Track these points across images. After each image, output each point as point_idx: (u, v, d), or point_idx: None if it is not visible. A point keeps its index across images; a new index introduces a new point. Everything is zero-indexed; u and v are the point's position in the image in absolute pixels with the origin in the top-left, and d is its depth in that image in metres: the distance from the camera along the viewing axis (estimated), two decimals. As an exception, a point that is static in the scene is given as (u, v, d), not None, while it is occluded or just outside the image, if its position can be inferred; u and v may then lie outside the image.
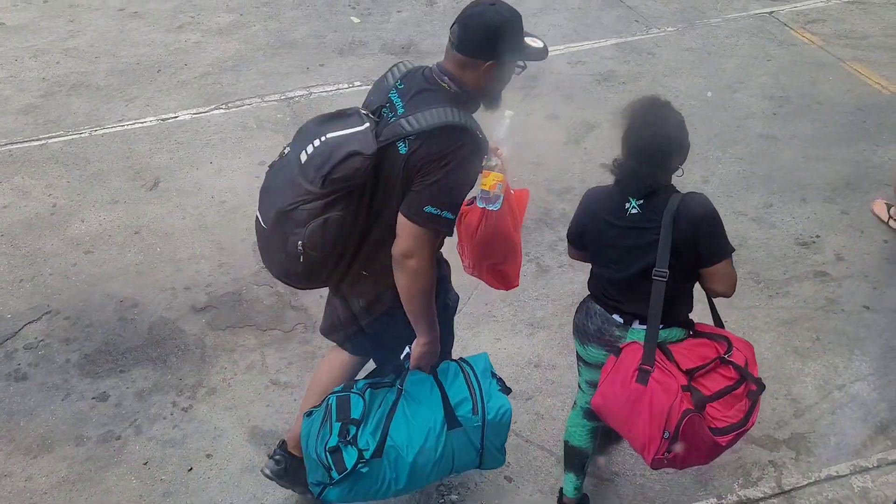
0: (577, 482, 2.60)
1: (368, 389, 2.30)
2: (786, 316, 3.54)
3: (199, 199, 4.18)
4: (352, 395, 2.30)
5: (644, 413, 2.13)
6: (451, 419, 2.23)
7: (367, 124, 2.04)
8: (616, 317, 2.33)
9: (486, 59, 2.04)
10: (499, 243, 2.33)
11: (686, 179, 4.06)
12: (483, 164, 2.14)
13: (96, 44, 5.57)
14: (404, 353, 2.32)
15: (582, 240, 2.38)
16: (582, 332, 2.43)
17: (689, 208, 2.16)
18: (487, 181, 2.16)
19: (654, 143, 2.17)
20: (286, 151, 2.15)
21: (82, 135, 4.66)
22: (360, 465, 2.18)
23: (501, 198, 2.19)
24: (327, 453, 2.20)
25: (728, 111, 4.79)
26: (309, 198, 2.01)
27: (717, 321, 2.42)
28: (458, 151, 2.00)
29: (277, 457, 2.59)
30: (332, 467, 2.19)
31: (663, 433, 2.10)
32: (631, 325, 2.31)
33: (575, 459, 2.59)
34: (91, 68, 5.29)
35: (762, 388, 2.22)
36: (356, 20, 5.75)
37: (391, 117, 2.06)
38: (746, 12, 5.74)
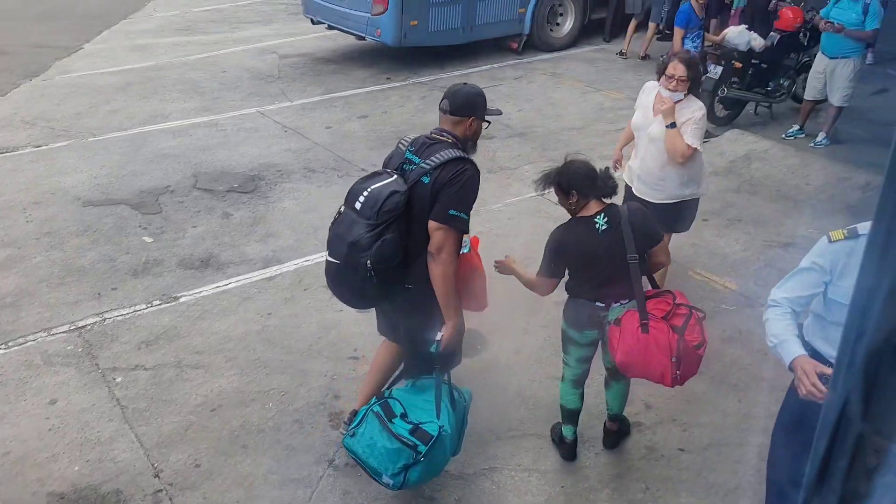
0: (573, 429, 3.70)
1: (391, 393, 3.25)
2: (614, 471, 3.66)
3: (-24, 454, 3.65)
4: (389, 400, 3.19)
5: (654, 351, 3.11)
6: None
7: (396, 175, 3.08)
8: (598, 304, 3.30)
9: (469, 116, 3.16)
10: (470, 273, 3.39)
11: (498, 352, 4.21)
12: None
13: None
14: (437, 336, 3.07)
15: (560, 269, 3.34)
16: (577, 323, 3.40)
17: (631, 211, 3.27)
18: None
19: (592, 172, 3.27)
20: (342, 209, 3.12)
21: None
22: (442, 431, 3.01)
23: (469, 244, 3.40)
24: (410, 434, 2.99)
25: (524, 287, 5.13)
26: (369, 229, 2.95)
27: (655, 285, 3.44)
28: (465, 172, 3.04)
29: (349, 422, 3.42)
30: (418, 442, 2.98)
31: (672, 359, 3.09)
32: (611, 306, 3.28)
33: (572, 417, 3.67)
34: None
35: (704, 314, 3.28)
36: (149, 240, 5.62)
37: (412, 168, 3.09)
38: (522, 196, 6.36)
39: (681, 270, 5.29)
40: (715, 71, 7.55)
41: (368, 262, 2.92)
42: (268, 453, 3.75)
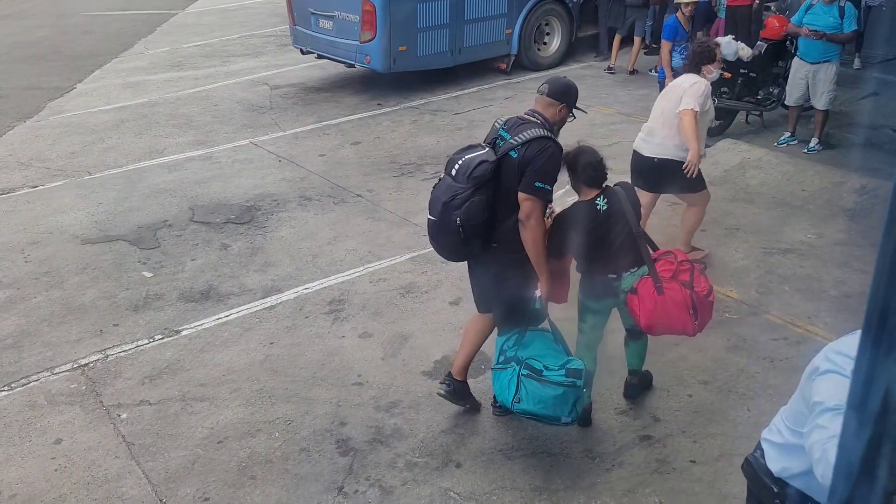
0: (588, 392, 3.88)
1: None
2: (626, 486, 3.63)
3: (-18, 498, 3.61)
4: (527, 361, 3.53)
5: (673, 308, 3.57)
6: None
7: (488, 148, 3.53)
8: (611, 275, 3.70)
9: (561, 102, 3.62)
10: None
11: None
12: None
13: None
14: (536, 294, 3.56)
15: (567, 249, 3.71)
16: (594, 294, 3.78)
17: (625, 190, 3.77)
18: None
19: (596, 159, 3.68)
20: (442, 176, 3.56)
21: None
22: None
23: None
24: (565, 377, 3.44)
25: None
26: (460, 191, 3.42)
27: (654, 247, 3.84)
28: (548, 149, 3.45)
29: (447, 382, 4.00)
30: (574, 379, 3.45)
31: (689, 311, 3.56)
32: (622, 275, 3.70)
33: (588, 378, 3.81)
34: None
35: (705, 265, 3.96)
36: (148, 275, 5.62)
37: (502, 143, 3.52)
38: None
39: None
40: (704, 82, 7.59)
41: (458, 219, 3.42)
42: (276, 483, 3.72)
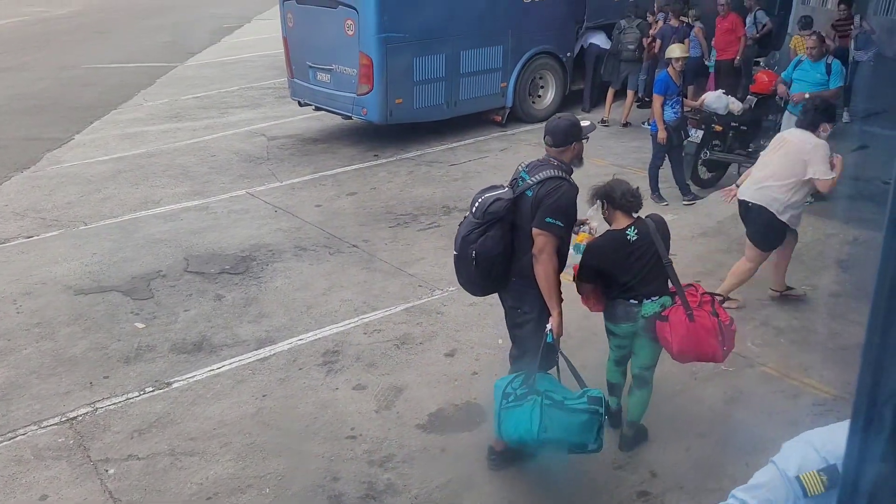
0: (616, 400, 4.29)
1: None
2: (625, 543, 3.55)
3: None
4: (547, 393, 3.58)
5: (704, 335, 3.78)
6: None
7: (507, 188, 3.77)
8: (632, 301, 3.89)
9: (570, 144, 3.76)
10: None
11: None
12: (577, 228, 3.99)
13: None
14: (547, 329, 3.66)
15: (597, 276, 3.95)
16: (614, 318, 4.00)
17: (656, 222, 3.94)
18: (578, 238, 4.03)
19: (632, 188, 3.98)
20: (468, 214, 3.78)
21: None
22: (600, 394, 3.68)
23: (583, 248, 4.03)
24: (588, 404, 3.55)
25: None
26: (477, 226, 3.66)
27: (676, 282, 3.95)
28: (561, 188, 3.63)
29: (493, 457, 4.10)
30: (597, 407, 3.55)
31: (718, 338, 3.78)
32: (643, 302, 3.88)
33: (614, 390, 4.29)
34: None
35: (722, 297, 4.40)
36: (141, 326, 5.58)
37: (521, 183, 3.73)
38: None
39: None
40: (696, 135, 7.70)
41: (473, 252, 3.65)
42: (266, 542, 3.62)
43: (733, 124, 7.81)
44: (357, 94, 9.26)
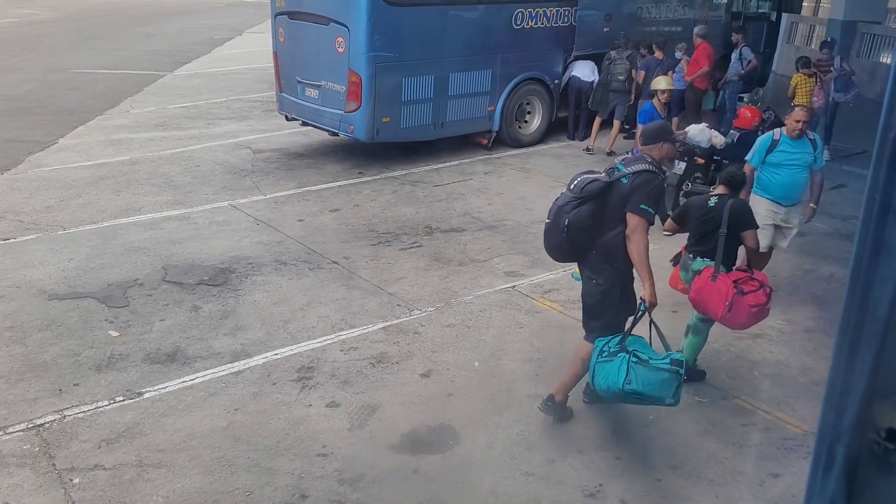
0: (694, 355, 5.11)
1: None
2: (592, 571, 3.53)
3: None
4: (635, 352, 4.10)
5: (714, 294, 4.61)
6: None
7: (604, 174, 4.33)
8: (689, 254, 4.98)
9: (657, 143, 4.43)
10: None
11: (471, 448, 4.14)
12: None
13: None
14: (639, 303, 4.23)
15: (682, 219, 5.08)
16: (681, 266, 5.08)
17: (734, 201, 4.86)
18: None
19: (740, 171, 5.20)
20: (564, 190, 4.39)
21: None
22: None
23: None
24: (670, 364, 4.03)
25: (496, 377, 5.10)
26: (573, 199, 4.25)
27: (749, 267, 4.95)
28: (654, 181, 4.25)
29: (549, 403, 4.60)
30: (678, 368, 4.03)
31: (726, 303, 4.54)
32: (696, 258, 4.93)
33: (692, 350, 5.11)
34: None
35: (772, 290, 4.74)
36: (115, 334, 5.51)
37: (616, 172, 4.29)
38: (493, 288, 6.39)
39: (653, 362, 5.28)
40: (679, 167, 7.80)
41: (567, 220, 4.22)
42: (231, 559, 3.56)
43: (716, 158, 7.91)
44: (345, 111, 9.29)
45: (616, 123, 10.42)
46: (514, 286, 6.43)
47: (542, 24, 10.50)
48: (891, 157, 0.73)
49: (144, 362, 5.16)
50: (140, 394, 4.80)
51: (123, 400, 4.73)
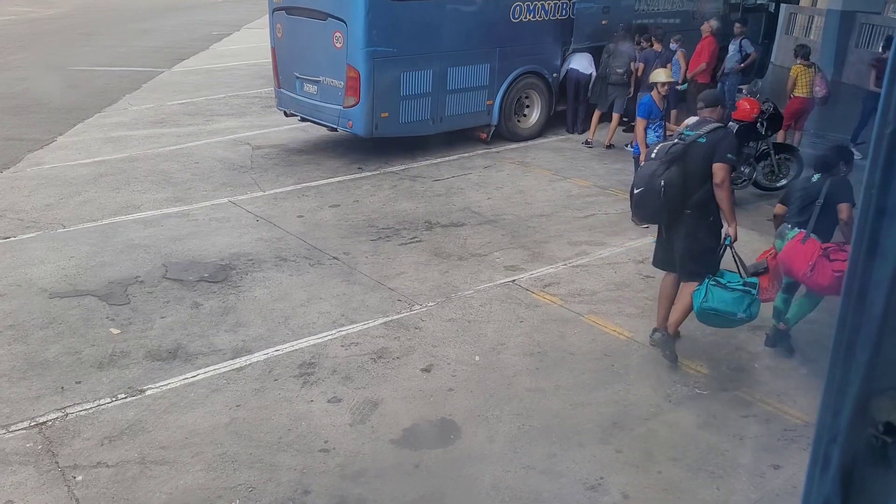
0: (775, 322, 5.42)
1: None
2: (594, 564, 3.55)
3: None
4: (715, 276, 4.87)
5: (799, 256, 4.93)
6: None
7: (677, 140, 4.91)
8: (787, 224, 5.20)
9: (717, 106, 5.16)
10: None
11: (471, 442, 4.15)
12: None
13: None
14: (724, 238, 4.90)
15: (785, 199, 5.40)
16: (779, 235, 5.28)
17: (835, 178, 5.08)
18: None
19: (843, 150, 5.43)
20: (644, 162, 5.24)
21: None
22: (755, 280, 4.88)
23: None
24: (743, 285, 4.75)
25: (497, 371, 5.11)
26: (661, 164, 4.79)
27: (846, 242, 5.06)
28: (729, 134, 5.04)
29: (658, 334, 5.28)
30: (750, 288, 4.74)
31: (809, 263, 4.85)
32: (793, 227, 5.12)
33: (778, 314, 5.42)
34: None
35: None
36: (116, 331, 5.52)
37: (686, 137, 4.88)
38: (493, 282, 6.40)
39: (651, 355, 5.30)
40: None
41: (662, 182, 4.73)
42: (234, 554, 3.58)
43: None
44: (343, 106, 9.28)
45: (615, 116, 10.40)
46: (514, 280, 6.44)
47: (540, 17, 10.48)
48: (887, 155, 0.73)
49: (146, 359, 5.17)
50: (142, 391, 4.81)
51: (125, 397, 4.75)
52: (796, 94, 9.63)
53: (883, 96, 0.78)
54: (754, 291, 4.73)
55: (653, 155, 4.90)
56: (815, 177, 5.22)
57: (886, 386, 0.68)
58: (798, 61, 9.74)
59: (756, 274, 5.18)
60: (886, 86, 0.77)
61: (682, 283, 5.15)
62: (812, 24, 17.47)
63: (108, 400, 4.73)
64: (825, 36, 15.94)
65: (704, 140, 4.81)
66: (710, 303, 4.75)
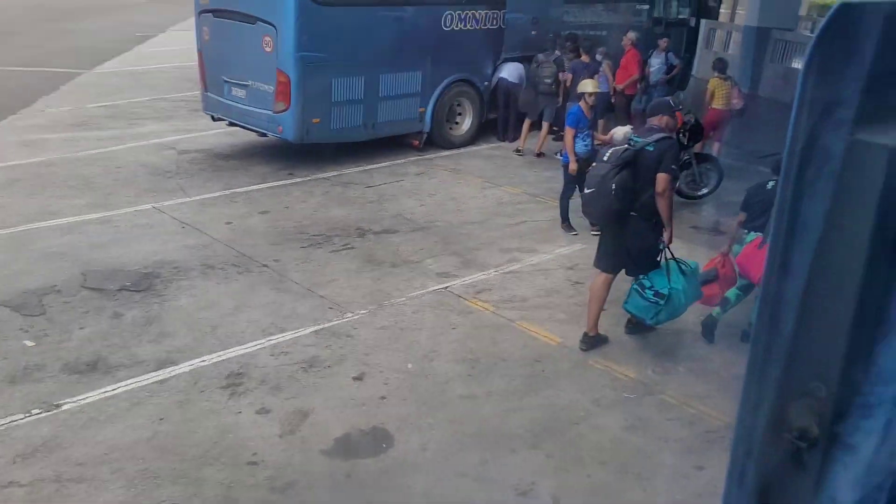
0: (721, 312, 5.67)
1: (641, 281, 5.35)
2: (525, 569, 3.57)
3: None
4: (641, 280, 5.31)
5: (759, 259, 5.02)
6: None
7: (627, 146, 5.18)
8: (743, 229, 5.61)
9: (660, 115, 5.46)
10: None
11: (404, 450, 4.13)
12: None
13: None
14: (661, 244, 5.31)
15: (744, 206, 5.66)
16: (737, 240, 5.73)
17: None
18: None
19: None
20: (595, 164, 5.35)
21: None
22: (671, 289, 5.20)
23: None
24: (653, 296, 5.20)
25: (430, 378, 5.10)
26: (613, 168, 5.07)
27: None
28: (675, 145, 5.40)
29: (585, 340, 5.54)
30: (658, 299, 5.18)
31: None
32: (750, 232, 5.53)
33: (725, 303, 5.65)
34: None
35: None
36: (30, 343, 5.27)
37: (635, 144, 5.17)
38: (426, 289, 6.39)
39: (581, 360, 5.39)
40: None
41: (614, 184, 5.03)
42: (157, 574, 3.46)
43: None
44: (273, 111, 9.13)
45: (545, 125, 10.56)
46: (446, 287, 6.45)
47: (472, 26, 10.57)
48: (798, 172, 0.75)
49: (62, 372, 4.95)
50: (58, 405, 4.60)
51: (40, 412, 4.53)
52: (714, 106, 9.98)
53: (794, 112, 0.80)
54: (662, 302, 5.19)
55: (605, 158, 5.17)
56: (770, 183, 5.49)
57: (800, 393, 0.70)
58: (715, 74, 10.11)
59: (706, 282, 5.55)
60: (797, 102, 0.79)
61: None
62: (730, 38, 18.15)
63: (21, 416, 4.50)
64: (743, 50, 16.58)
65: (652, 148, 5.13)
66: (628, 305, 5.41)
